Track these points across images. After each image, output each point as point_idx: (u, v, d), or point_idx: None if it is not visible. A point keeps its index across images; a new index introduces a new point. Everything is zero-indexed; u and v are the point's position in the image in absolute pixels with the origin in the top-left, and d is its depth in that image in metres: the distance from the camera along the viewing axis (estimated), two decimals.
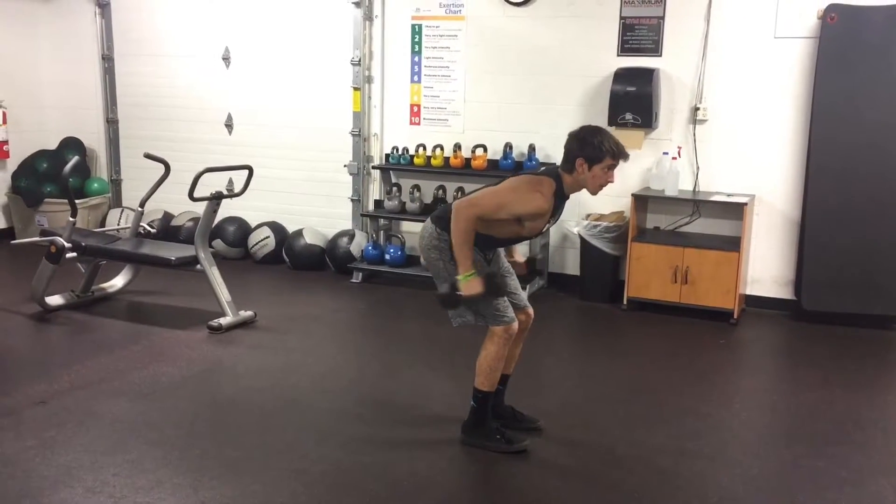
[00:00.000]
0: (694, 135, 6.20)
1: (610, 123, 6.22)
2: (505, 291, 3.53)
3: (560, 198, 3.46)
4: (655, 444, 3.78)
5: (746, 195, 6.00)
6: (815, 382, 4.67)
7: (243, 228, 7.50)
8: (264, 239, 7.32)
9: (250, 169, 5.67)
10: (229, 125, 7.73)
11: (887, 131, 5.57)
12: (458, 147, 6.71)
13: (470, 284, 3.41)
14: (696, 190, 6.21)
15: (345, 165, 7.20)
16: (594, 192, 3.47)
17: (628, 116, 6.16)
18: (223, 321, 5.29)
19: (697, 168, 6.20)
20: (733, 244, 5.85)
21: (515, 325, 3.60)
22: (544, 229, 3.60)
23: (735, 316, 5.82)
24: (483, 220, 3.39)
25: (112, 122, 8.19)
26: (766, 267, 6.17)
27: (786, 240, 6.12)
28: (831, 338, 5.55)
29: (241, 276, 6.58)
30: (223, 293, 5.41)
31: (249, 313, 5.50)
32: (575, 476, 3.50)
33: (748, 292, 6.17)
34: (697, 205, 6.24)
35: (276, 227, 7.41)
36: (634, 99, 6.13)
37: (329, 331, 5.63)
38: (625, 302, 6.11)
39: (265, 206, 7.47)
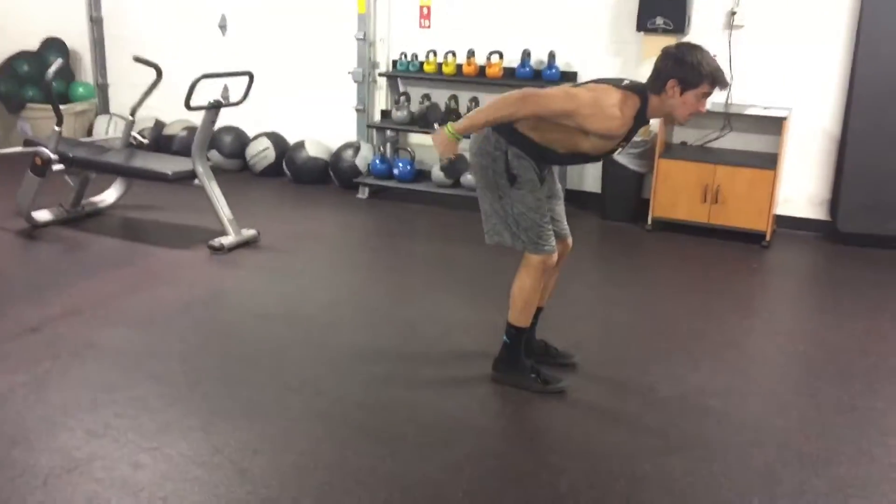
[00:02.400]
0: (729, 42, 5.73)
1: (639, 28, 5.76)
2: (454, 176, 3.15)
3: (640, 121, 3.04)
4: (699, 383, 3.50)
5: (784, 108, 5.59)
6: (860, 311, 4.38)
7: (241, 139, 7.05)
8: (263, 150, 6.89)
9: (251, 75, 5.20)
10: (223, 26, 7.18)
11: None
12: (471, 53, 6.23)
13: (445, 138, 2.98)
14: (729, 102, 5.78)
15: (349, 72, 6.71)
16: (682, 122, 3.03)
17: (659, 21, 5.68)
18: (225, 241, 4.93)
19: (731, 78, 5.75)
20: (769, 161, 5.47)
21: (555, 255, 3.25)
22: (615, 153, 3.19)
23: (767, 238, 5.50)
24: (543, 123, 2.99)
25: (96, 22, 7.61)
26: (800, 186, 5.81)
27: (822, 157, 5.74)
28: (872, 262, 5.24)
29: (240, 191, 6.18)
30: (224, 210, 5.03)
31: (252, 232, 5.14)
32: (619, 421, 3.21)
33: (779, 212, 5.84)
34: (729, 118, 5.82)
35: (276, 139, 6.97)
36: (666, 1, 5.64)
37: (338, 252, 5.29)
38: (649, 222, 5.77)
39: (263, 116, 7.01)
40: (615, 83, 3.06)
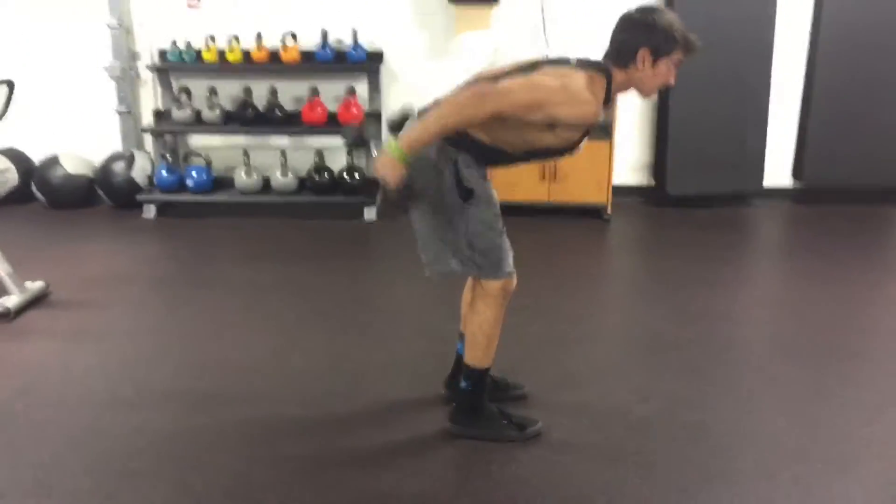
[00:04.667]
0: (542, 6, 5.44)
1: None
2: (405, 210, 2.57)
3: (607, 102, 2.54)
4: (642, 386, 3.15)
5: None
6: (718, 278, 4.34)
7: None
8: (2, 172, 5.49)
9: (11, 84, 3.95)
10: None
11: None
12: (260, 37, 5.37)
13: (388, 162, 2.37)
14: None
15: (104, 68, 5.53)
16: (649, 94, 2.59)
17: None
18: (9, 302, 3.73)
19: (547, 45, 5.47)
20: (602, 132, 5.28)
21: (514, 278, 2.70)
22: (579, 147, 2.66)
23: (608, 211, 5.34)
24: (495, 122, 2.40)
25: None
26: (625, 154, 5.73)
27: (643, 122, 5.69)
28: (705, 222, 5.31)
29: None
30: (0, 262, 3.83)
31: (39, 284, 3.97)
32: (605, 455, 2.74)
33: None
34: None
35: (17, 156, 5.60)
36: None
37: (158, 292, 4.23)
38: None
39: None
40: (564, 63, 2.55)
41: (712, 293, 4.20)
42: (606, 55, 2.57)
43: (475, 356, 2.71)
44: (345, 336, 3.63)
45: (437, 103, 2.47)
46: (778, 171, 5.66)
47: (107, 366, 3.33)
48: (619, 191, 5.69)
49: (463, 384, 2.77)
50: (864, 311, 3.99)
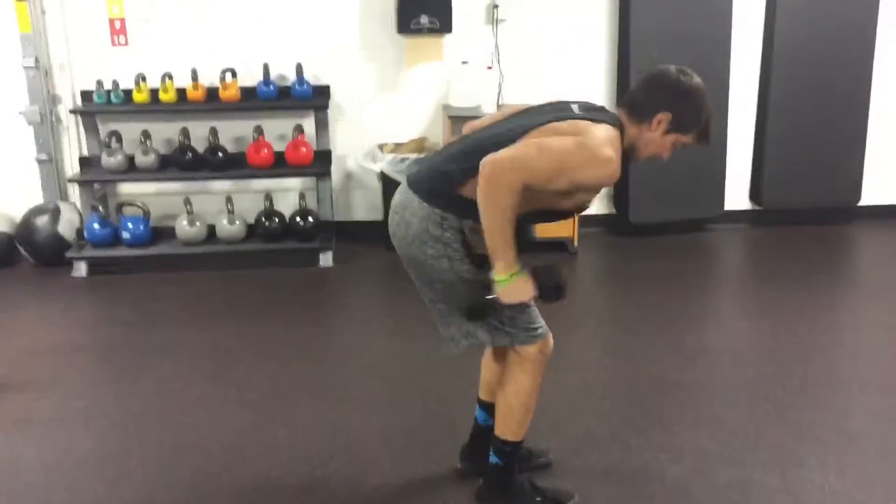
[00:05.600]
0: (496, 39, 5.25)
1: (400, 30, 5.02)
2: (559, 298, 2.29)
3: (625, 161, 2.30)
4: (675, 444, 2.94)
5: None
6: (703, 311, 4.20)
7: None
8: None
9: None
10: None
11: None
12: (195, 74, 4.98)
13: (516, 287, 2.17)
14: (501, 104, 5.29)
15: (20, 113, 5.03)
16: (642, 159, 2.35)
17: (424, 20, 4.99)
18: None
19: (502, 76, 5.27)
20: None
21: (550, 337, 2.44)
22: (588, 205, 2.42)
23: (575, 243, 5.16)
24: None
25: None
26: None
27: None
28: (671, 250, 5.22)
29: None
30: None
31: None
32: None
33: None
34: None
35: None
36: None
37: (102, 366, 3.74)
38: None
39: None
40: (566, 110, 2.31)
41: (702, 328, 4.07)
42: (622, 104, 2.36)
43: (509, 429, 2.43)
44: (330, 401, 3.29)
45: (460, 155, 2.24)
46: (736, 194, 5.60)
47: (66, 460, 2.88)
48: (581, 220, 5.51)
49: (494, 459, 2.48)
50: (855, 337, 3.91)
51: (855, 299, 4.49)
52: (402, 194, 2.34)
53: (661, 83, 2.29)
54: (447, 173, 2.25)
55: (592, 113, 2.30)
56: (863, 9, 5.37)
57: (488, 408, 2.60)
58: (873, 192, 5.67)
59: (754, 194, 5.64)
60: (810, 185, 5.54)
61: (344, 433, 3.02)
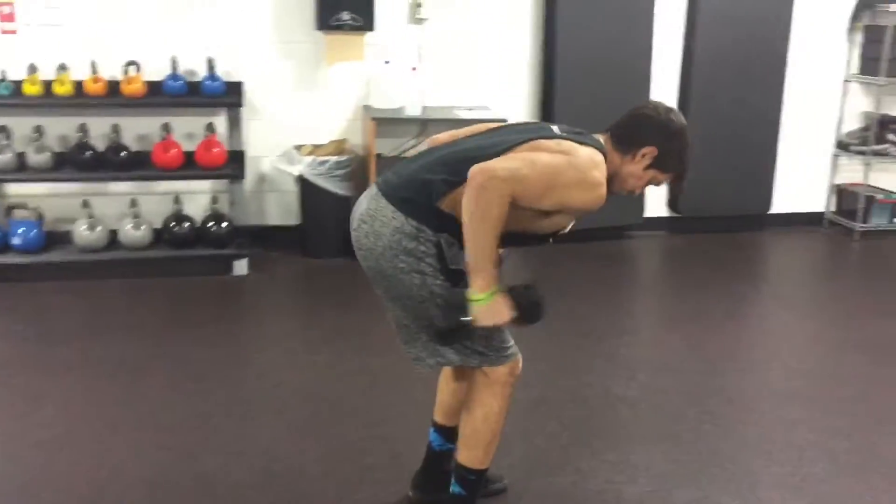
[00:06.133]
0: (419, 39, 5.07)
1: (320, 27, 4.79)
2: (536, 320, 2.14)
3: (609, 188, 2.18)
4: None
5: (482, 108, 5.13)
6: (635, 323, 4.17)
7: None
8: None
9: None
10: None
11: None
12: (94, 66, 4.59)
13: (494, 308, 2.01)
14: (424, 106, 5.11)
15: None
16: (617, 192, 2.24)
17: (346, 16, 4.78)
18: None
19: (426, 77, 5.10)
20: None
21: (520, 358, 2.29)
22: (565, 230, 2.30)
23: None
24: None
25: None
26: None
27: None
28: (593, 257, 5.17)
29: None
30: None
31: None
32: None
33: None
34: (426, 124, 5.17)
35: None
36: None
37: (22, 392, 3.40)
38: None
39: None
40: (546, 130, 2.21)
41: (635, 339, 4.02)
42: (608, 132, 2.25)
43: (475, 456, 2.26)
44: (258, 425, 3.04)
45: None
46: (655, 202, 5.62)
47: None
48: None
49: (455, 489, 2.30)
50: (781, 347, 3.94)
51: (777, 307, 4.55)
52: (371, 202, 2.14)
53: (650, 121, 2.22)
54: (429, 183, 2.07)
55: (576, 135, 2.19)
56: (775, 29, 5.52)
57: (445, 431, 2.44)
58: (782, 201, 5.82)
59: (672, 202, 5.69)
60: (726, 194, 5.63)
61: (279, 460, 2.78)
